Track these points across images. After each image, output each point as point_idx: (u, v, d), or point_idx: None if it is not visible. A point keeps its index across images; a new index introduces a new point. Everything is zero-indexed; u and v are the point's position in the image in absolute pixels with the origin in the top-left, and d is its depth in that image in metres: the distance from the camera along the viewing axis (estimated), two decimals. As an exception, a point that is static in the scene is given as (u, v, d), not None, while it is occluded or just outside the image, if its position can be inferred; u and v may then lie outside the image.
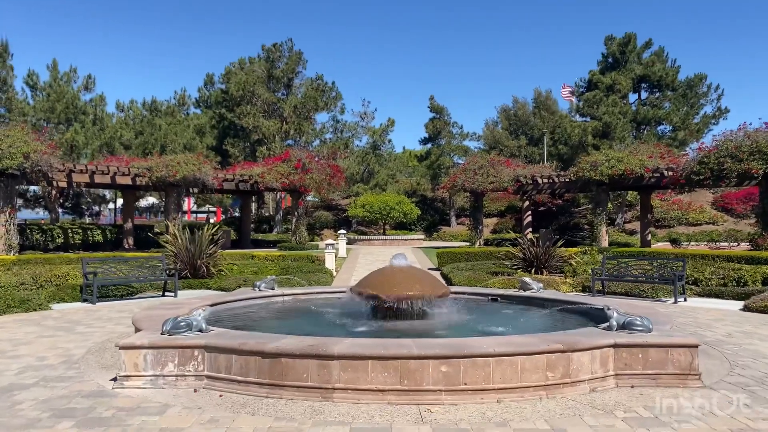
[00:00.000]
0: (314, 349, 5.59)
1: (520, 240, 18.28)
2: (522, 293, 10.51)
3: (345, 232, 27.81)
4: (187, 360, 6.08)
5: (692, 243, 28.77)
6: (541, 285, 10.78)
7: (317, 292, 10.86)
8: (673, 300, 12.81)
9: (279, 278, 14.53)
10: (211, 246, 16.66)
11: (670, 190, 36.64)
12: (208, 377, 6.03)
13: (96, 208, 41.09)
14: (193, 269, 16.03)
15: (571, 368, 5.85)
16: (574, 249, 19.42)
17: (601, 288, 14.06)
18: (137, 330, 7.10)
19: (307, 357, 5.60)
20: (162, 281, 14.32)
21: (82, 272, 13.20)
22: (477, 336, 6.85)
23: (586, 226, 36.30)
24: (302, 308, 9.49)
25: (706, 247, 26.27)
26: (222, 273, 16.40)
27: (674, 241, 28.38)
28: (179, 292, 14.17)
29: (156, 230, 25.57)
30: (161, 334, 6.37)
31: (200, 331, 6.47)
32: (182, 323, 6.40)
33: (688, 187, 21.63)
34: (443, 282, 9.40)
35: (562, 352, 5.82)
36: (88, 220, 39.75)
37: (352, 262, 22.34)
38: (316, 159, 29.86)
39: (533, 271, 16.79)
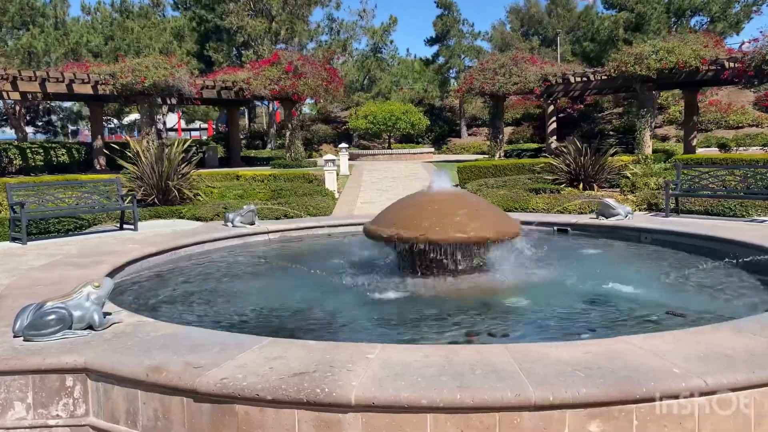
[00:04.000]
0: (303, 388, 2.50)
1: (562, 148, 14.99)
2: (603, 221, 7.55)
3: (347, 146, 24.36)
4: (52, 396, 3.03)
5: (741, 148, 25.39)
6: (629, 209, 7.76)
7: (314, 227, 7.76)
8: (776, 219, 9.89)
9: (270, 206, 11.53)
10: (185, 165, 13.49)
11: (708, 90, 32.96)
12: (96, 430, 2.99)
13: (72, 127, 37.23)
14: (162, 194, 12.90)
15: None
16: (627, 158, 16.20)
17: (674, 206, 11.12)
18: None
19: (291, 405, 2.53)
20: (120, 210, 11.30)
21: (8, 203, 10.07)
22: (618, 326, 3.78)
23: (611, 133, 32.78)
24: (292, 254, 6.45)
25: (761, 151, 22.92)
26: (199, 198, 13.30)
27: (722, 146, 25.00)
28: (143, 224, 11.15)
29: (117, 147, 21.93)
30: (14, 337, 3.31)
31: (90, 327, 3.39)
32: (51, 316, 3.30)
33: (758, 81, 18.01)
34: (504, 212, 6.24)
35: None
36: (66, 140, 36.06)
37: (356, 180, 19.16)
38: (311, 62, 25.90)
39: (581, 186, 13.72)
